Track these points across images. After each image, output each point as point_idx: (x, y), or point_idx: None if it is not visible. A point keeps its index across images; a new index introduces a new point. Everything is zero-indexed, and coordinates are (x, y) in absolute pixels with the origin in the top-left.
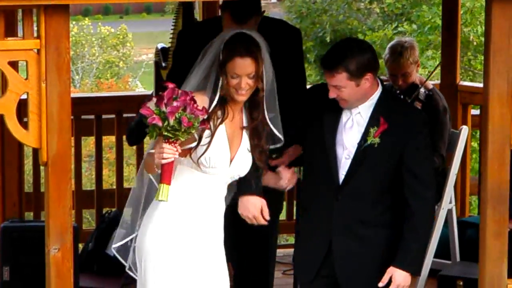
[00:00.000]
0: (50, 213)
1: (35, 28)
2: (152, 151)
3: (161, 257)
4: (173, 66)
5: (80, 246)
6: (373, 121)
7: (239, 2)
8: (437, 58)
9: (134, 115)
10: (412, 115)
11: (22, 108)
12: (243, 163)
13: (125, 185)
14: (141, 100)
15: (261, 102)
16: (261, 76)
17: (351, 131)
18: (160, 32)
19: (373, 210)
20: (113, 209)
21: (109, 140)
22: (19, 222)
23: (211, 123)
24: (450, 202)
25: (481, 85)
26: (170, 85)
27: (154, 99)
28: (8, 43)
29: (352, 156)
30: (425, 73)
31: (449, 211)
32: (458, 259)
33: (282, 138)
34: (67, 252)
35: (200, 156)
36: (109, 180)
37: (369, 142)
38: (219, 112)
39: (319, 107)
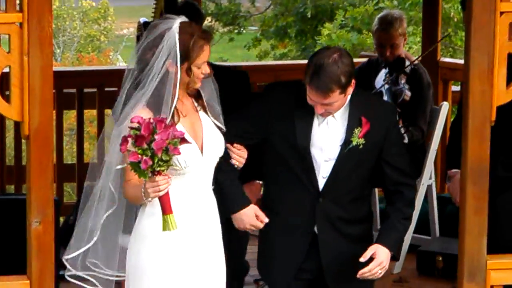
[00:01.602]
0: (31, 187)
1: (17, 2)
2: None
3: (158, 276)
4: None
5: (61, 219)
6: (354, 121)
7: None
8: (418, 34)
9: (116, 89)
10: (383, 107)
11: (4, 82)
12: (215, 143)
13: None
14: (122, 74)
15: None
16: None
17: (328, 133)
18: (142, 6)
19: (355, 207)
20: (94, 182)
21: (90, 113)
22: (0, 195)
23: None
24: (430, 178)
25: (461, 61)
26: (140, 120)
27: (130, 140)
28: None
29: (334, 158)
30: (406, 49)
31: (429, 187)
32: (437, 234)
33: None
34: (48, 225)
35: None
36: (90, 153)
37: (354, 143)
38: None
39: (285, 109)
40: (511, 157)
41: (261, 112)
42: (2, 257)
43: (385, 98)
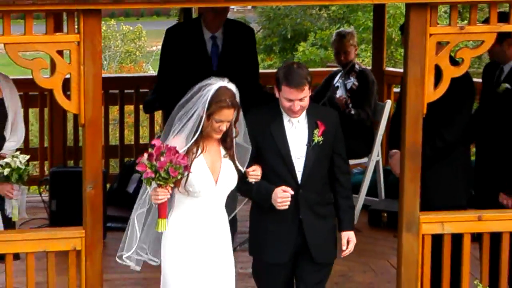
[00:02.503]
0: (86, 162)
1: (76, 26)
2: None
3: (176, 267)
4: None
5: (107, 185)
6: (312, 124)
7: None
8: (369, 51)
9: (148, 90)
10: (330, 113)
11: (66, 84)
12: (228, 180)
13: (140, 141)
14: (152, 80)
15: (230, 137)
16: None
17: (296, 136)
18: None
19: (323, 192)
20: (131, 159)
21: (128, 108)
22: (63, 168)
23: (189, 157)
24: (378, 156)
25: (401, 70)
26: (157, 143)
27: (146, 155)
28: (56, 37)
29: (303, 155)
30: (360, 61)
31: (377, 162)
32: (383, 197)
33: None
34: (98, 189)
35: (184, 185)
36: (128, 137)
37: (316, 141)
38: (194, 149)
39: (262, 126)
40: (435, 141)
41: (250, 136)
42: (66, 213)
43: (340, 89)
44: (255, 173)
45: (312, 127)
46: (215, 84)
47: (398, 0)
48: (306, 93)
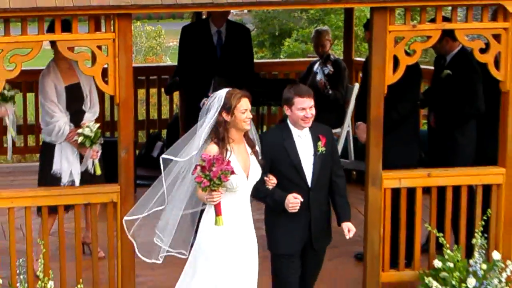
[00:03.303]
0: (120, 133)
1: (112, 27)
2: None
3: (213, 253)
4: (179, 53)
5: (137, 151)
6: (314, 138)
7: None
8: (340, 45)
9: (168, 76)
10: (326, 129)
11: (104, 72)
12: (256, 174)
13: (162, 117)
14: (170, 70)
15: (252, 136)
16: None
17: (304, 148)
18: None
19: (326, 193)
20: (156, 130)
21: (152, 91)
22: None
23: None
24: (348, 126)
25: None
26: (206, 157)
27: (199, 168)
28: (96, 35)
29: (311, 164)
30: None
31: (348, 132)
32: (353, 159)
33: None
34: (130, 154)
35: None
36: (152, 114)
37: (320, 151)
38: (226, 152)
39: (277, 143)
40: (392, 114)
41: (265, 152)
42: (106, 173)
43: (319, 75)
44: (272, 181)
45: (315, 140)
46: (222, 91)
47: (363, 4)
48: (312, 102)
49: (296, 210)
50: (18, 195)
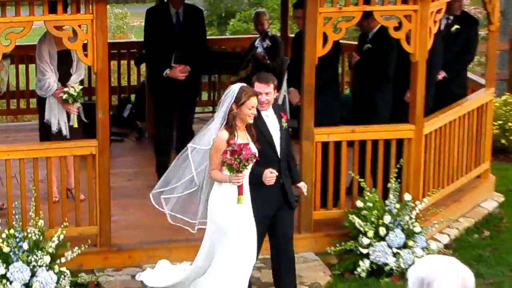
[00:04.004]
0: (98, 96)
1: (90, 9)
2: (223, 174)
3: (231, 227)
4: (144, 31)
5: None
6: (278, 115)
7: None
8: (278, 25)
9: (135, 50)
10: (281, 107)
11: (84, 47)
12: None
13: (131, 84)
14: (136, 45)
15: (252, 126)
16: None
17: (272, 125)
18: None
19: (292, 161)
20: (126, 95)
21: (122, 62)
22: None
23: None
24: (284, 91)
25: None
26: (235, 143)
27: (229, 152)
28: (78, 16)
29: (279, 137)
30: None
31: (285, 96)
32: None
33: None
34: (106, 115)
35: None
36: (123, 82)
37: (284, 126)
38: (233, 137)
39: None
40: (317, 80)
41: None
42: (84, 130)
43: (259, 48)
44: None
45: (279, 117)
46: (236, 85)
47: None
48: (271, 89)
49: (273, 183)
50: (14, 149)
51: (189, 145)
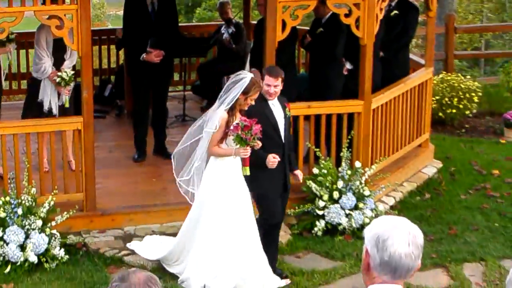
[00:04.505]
0: (83, 77)
1: (75, 0)
2: (225, 148)
3: (210, 197)
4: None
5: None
6: (282, 105)
7: None
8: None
9: (114, 36)
10: (285, 99)
11: (70, 34)
12: None
13: (111, 66)
14: (113, 32)
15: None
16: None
17: (278, 113)
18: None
19: (291, 150)
20: (106, 76)
21: (102, 47)
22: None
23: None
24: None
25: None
26: (247, 119)
27: (240, 127)
28: (64, 6)
29: (283, 124)
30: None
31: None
32: None
33: None
34: (90, 94)
35: None
36: (103, 64)
37: (288, 115)
38: (232, 118)
39: (258, 111)
40: (277, 62)
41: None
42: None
43: (225, 34)
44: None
45: (283, 106)
46: (248, 75)
47: None
48: (279, 82)
49: (274, 167)
50: (8, 125)
51: (205, 130)
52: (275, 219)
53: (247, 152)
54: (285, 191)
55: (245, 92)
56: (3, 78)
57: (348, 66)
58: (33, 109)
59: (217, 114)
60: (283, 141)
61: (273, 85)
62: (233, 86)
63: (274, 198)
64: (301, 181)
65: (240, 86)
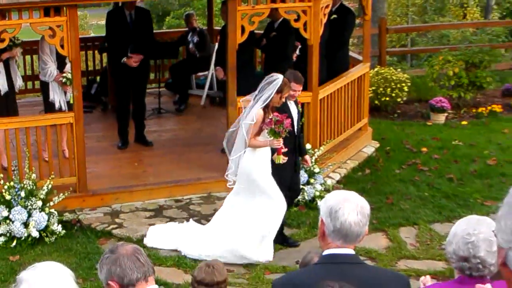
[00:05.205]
0: (74, 79)
1: (65, 13)
2: (262, 140)
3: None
4: (106, 28)
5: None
6: (296, 103)
7: None
8: (201, 18)
9: (98, 43)
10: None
11: (61, 42)
12: None
13: (96, 68)
14: (95, 39)
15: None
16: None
17: (293, 110)
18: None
19: (301, 139)
20: (92, 77)
21: (90, 52)
22: None
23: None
24: (212, 70)
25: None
26: (279, 114)
27: (274, 121)
28: (55, 18)
29: (296, 119)
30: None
31: (212, 73)
32: (216, 89)
33: None
34: (79, 92)
35: None
36: (90, 67)
37: (299, 110)
38: (268, 114)
39: (282, 109)
40: (237, 61)
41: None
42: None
43: (191, 43)
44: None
45: (296, 105)
46: (280, 76)
47: None
48: (301, 87)
49: (285, 161)
50: (10, 121)
51: (242, 122)
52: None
53: (280, 142)
54: (297, 172)
55: (279, 91)
56: (18, 81)
57: (297, 52)
58: (49, 107)
59: (254, 110)
60: (296, 133)
61: (298, 90)
62: (268, 87)
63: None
64: (309, 164)
65: (274, 86)
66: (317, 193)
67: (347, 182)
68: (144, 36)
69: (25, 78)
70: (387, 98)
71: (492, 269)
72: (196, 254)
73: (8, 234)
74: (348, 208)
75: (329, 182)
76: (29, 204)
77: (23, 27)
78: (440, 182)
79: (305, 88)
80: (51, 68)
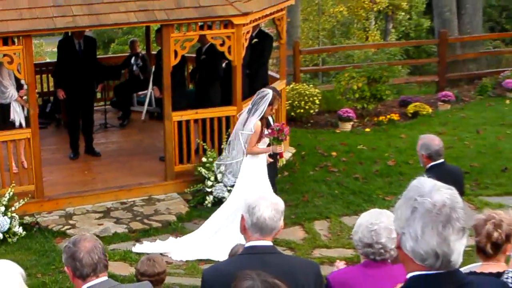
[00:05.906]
0: (29, 99)
1: (21, 42)
2: (264, 148)
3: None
4: (57, 56)
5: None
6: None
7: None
8: (141, 43)
9: (51, 67)
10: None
11: (18, 67)
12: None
13: (50, 89)
14: (50, 64)
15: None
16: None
17: (270, 120)
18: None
19: None
20: (47, 97)
21: (43, 76)
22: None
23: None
24: (150, 89)
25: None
26: (280, 124)
27: (276, 130)
28: (12, 47)
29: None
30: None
31: (151, 92)
32: (154, 105)
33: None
34: (35, 111)
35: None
36: (44, 89)
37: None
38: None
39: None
40: (174, 82)
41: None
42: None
43: (135, 66)
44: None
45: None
46: (270, 91)
47: (157, 23)
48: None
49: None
50: None
51: (240, 132)
52: None
53: (281, 147)
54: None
55: (271, 104)
56: None
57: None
58: (7, 126)
59: (251, 122)
60: None
61: (275, 108)
62: (261, 100)
63: None
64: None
65: (267, 99)
66: None
67: None
68: (92, 62)
69: None
70: (302, 110)
71: (392, 253)
72: (184, 258)
73: None
74: (264, 205)
75: None
76: None
77: None
78: (348, 181)
79: (230, 103)
80: (12, 91)
